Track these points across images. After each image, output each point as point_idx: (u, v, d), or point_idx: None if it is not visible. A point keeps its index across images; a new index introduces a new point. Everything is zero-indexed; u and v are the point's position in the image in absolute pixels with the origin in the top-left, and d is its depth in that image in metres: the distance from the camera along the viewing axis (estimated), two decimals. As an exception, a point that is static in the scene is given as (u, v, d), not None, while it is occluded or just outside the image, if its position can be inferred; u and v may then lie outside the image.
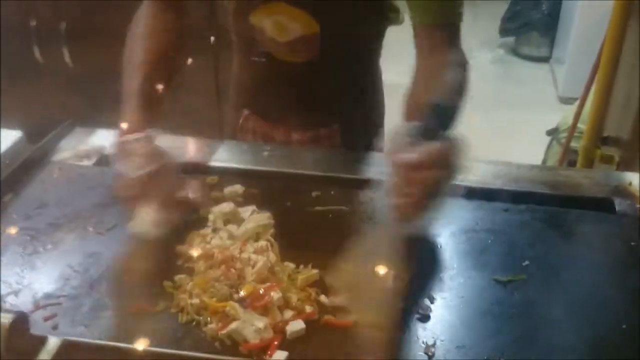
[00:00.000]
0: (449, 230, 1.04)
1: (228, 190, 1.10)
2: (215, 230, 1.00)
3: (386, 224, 0.90)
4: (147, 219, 0.95)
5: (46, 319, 0.85)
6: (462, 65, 1.02)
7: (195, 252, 0.94)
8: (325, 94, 1.30)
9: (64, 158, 1.22)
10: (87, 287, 0.90)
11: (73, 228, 1.03)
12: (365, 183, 1.12)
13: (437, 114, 0.85)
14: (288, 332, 0.82)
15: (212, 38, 2.33)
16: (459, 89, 0.94)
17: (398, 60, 1.48)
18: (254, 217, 1.01)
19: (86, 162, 1.21)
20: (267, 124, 1.37)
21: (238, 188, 1.11)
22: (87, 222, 1.04)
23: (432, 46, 1.08)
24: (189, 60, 1.30)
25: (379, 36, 1.31)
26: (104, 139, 1.27)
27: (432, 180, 0.82)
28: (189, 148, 1.28)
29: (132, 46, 1.13)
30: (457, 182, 0.93)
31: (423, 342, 0.82)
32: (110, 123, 1.11)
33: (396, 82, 1.33)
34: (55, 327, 0.83)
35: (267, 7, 1.19)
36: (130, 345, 0.80)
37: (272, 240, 0.97)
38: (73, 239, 1.00)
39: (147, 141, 0.99)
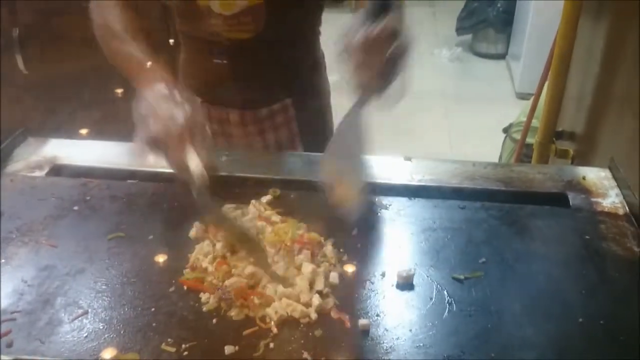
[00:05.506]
0: (408, 230, 1.05)
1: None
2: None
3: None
4: (197, 162, 0.95)
5: (1, 336, 0.83)
6: None
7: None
8: (273, 69, 1.34)
9: (16, 170, 1.19)
10: (42, 302, 0.89)
11: (26, 241, 1.01)
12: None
13: None
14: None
15: (171, 40, 2.31)
16: None
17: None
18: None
19: (38, 173, 1.19)
20: (219, 111, 1.40)
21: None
22: (39, 234, 1.02)
23: None
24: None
25: (318, 6, 1.35)
26: (56, 148, 1.25)
27: (389, 49, 0.89)
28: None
29: (116, 32, 1.14)
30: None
31: (383, 343, 0.83)
32: (65, 131, 1.09)
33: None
34: (9, 345, 0.82)
35: None
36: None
37: None
38: (26, 252, 0.98)
39: (176, 91, 1.01)
